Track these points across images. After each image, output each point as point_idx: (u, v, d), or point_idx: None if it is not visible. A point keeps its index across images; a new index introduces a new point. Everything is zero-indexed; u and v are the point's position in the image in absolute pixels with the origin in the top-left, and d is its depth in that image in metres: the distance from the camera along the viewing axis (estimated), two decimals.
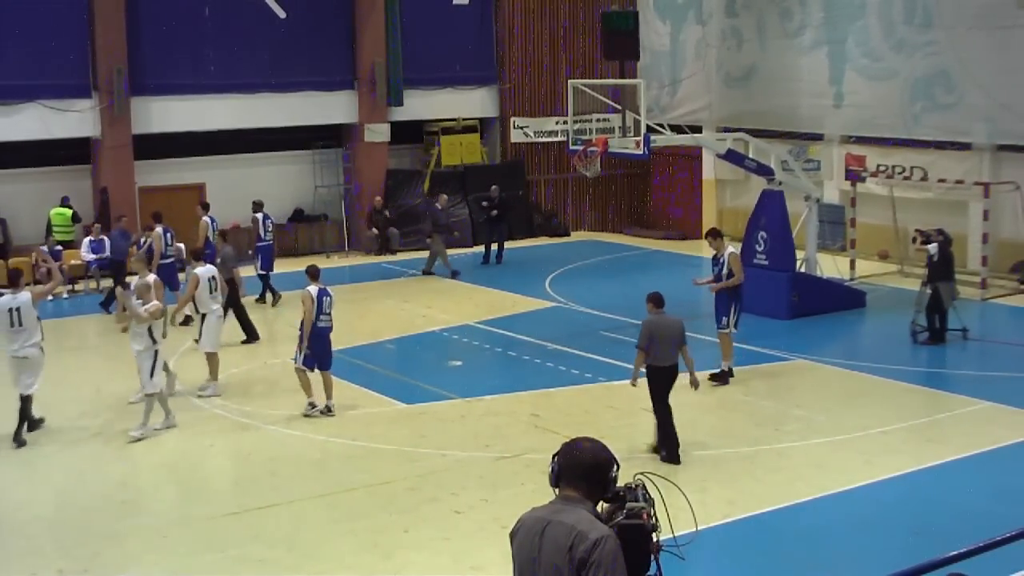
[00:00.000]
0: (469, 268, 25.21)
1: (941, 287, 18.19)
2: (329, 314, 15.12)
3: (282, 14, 27.24)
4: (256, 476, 13.16)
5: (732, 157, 21.05)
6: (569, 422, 14.29)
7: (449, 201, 26.53)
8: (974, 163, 23.36)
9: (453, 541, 11.09)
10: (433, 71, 28.96)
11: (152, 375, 14.21)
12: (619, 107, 21.20)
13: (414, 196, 28.62)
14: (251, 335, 19.14)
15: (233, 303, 18.63)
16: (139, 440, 14.16)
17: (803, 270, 21.02)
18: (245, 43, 26.92)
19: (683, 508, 5.97)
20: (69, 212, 24.93)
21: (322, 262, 22.61)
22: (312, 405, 15.09)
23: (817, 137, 26.30)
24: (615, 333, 18.79)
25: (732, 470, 12.88)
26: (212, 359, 16.25)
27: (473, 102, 29.91)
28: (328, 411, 15.07)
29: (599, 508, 4.93)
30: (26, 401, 14.27)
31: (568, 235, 30.24)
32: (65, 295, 22.87)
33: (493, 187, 26.84)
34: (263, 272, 22.14)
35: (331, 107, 28.08)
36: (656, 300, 13.31)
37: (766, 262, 20.20)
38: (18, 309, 14.06)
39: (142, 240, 20.88)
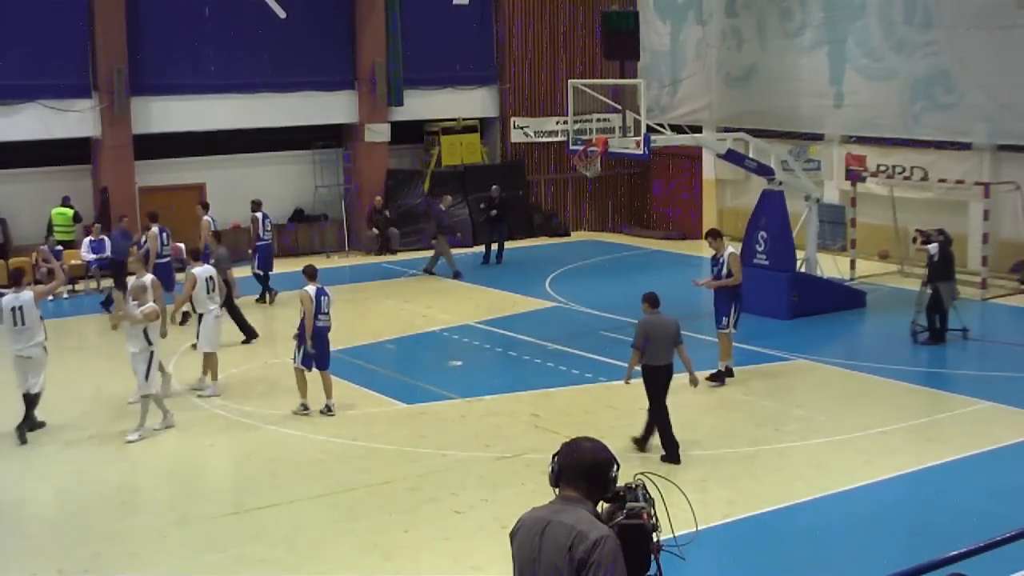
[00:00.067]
0: (469, 268, 25.19)
1: (941, 287, 18.19)
2: (327, 313, 15.12)
3: (282, 14, 27.23)
4: (256, 476, 13.16)
5: (732, 157, 21.04)
6: (569, 422, 14.29)
7: (452, 201, 26.55)
8: (974, 163, 23.34)
9: (453, 541, 11.09)
10: (433, 71, 28.95)
11: (148, 377, 14.21)
12: (619, 107, 21.19)
13: (414, 196, 28.61)
14: (249, 334, 19.12)
15: (227, 304, 18.60)
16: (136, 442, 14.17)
17: (803, 270, 21.02)
18: (245, 43, 26.91)
19: (683, 508, 5.97)
20: (70, 212, 24.94)
21: (322, 262, 22.68)
22: (304, 406, 15.08)
23: (817, 137, 26.29)
24: (615, 333, 18.76)
25: (732, 470, 12.89)
26: (211, 359, 16.25)
27: (473, 102, 29.90)
28: (328, 411, 15.07)
29: (599, 508, 4.92)
30: (34, 399, 14.29)
31: (568, 235, 30.22)
32: (65, 295, 22.85)
33: (493, 187, 26.83)
34: (260, 272, 22.10)
35: (331, 107, 28.06)
36: (651, 300, 13.33)
37: (766, 262, 20.20)
38: (21, 308, 14.09)
39: (142, 240, 20.88)
